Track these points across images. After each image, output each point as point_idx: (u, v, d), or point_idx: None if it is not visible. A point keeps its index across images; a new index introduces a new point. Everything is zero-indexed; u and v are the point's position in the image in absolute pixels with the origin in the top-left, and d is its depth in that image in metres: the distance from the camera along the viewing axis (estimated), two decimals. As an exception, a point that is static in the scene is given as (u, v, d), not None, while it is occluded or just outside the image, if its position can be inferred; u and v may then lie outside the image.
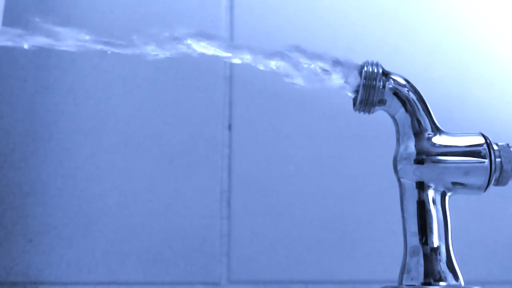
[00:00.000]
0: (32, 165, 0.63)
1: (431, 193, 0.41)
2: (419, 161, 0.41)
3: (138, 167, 0.64)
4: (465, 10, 0.71)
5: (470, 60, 0.70)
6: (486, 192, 0.42)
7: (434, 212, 0.41)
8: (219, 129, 0.66)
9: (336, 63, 0.42)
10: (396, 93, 0.42)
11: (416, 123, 0.42)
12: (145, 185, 0.64)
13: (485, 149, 0.41)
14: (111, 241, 0.62)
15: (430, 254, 0.41)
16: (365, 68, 0.42)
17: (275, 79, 0.43)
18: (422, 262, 0.41)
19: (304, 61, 0.41)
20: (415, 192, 0.42)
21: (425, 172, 0.41)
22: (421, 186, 0.42)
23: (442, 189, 0.42)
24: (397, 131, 0.43)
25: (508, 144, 0.42)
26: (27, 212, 0.62)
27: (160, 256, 0.62)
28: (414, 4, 0.71)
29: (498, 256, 0.66)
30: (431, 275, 0.40)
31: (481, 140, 0.42)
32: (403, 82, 0.42)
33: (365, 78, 0.41)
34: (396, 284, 0.41)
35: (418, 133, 0.42)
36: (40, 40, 0.37)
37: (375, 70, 0.41)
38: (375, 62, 0.42)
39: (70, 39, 0.38)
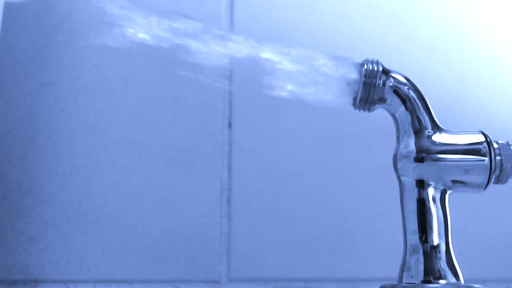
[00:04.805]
0: (32, 163, 0.63)
1: (431, 191, 0.42)
2: (419, 159, 0.41)
3: (138, 165, 0.64)
4: (465, 8, 0.71)
5: (470, 58, 0.70)
6: (486, 190, 0.42)
7: (434, 210, 0.41)
8: (219, 127, 0.66)
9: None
10: (396, 91, 0.42)
11: (416, 121, 0.42)
12: (145, 183, 0.64)
13: (485, 147, 0.41)
14: (111, 239, 0.62)
15: (430, 252, 0.41)
16: (365, 66, 0.42)
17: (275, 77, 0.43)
18: (422, 260, 0.41)
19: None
20: (415, 190, 0.42)
21: (425, 170, 0.41)
22: (421, 184, 0.42)
23: (442, 187, 0.42)
24: (397, 129, 0.43)
25: (508, 142, 0.42)
26: (27, 210, 0.62)
27: (160, 254, 0.62)
28: (414, 3, 0.71)
29: (498, 254, 0.66)
30: (431, 273, 0.40)
31: (481, 138, 0.42)
32: (403, 80, 0.42)
33: (365, 76, 0.41)
34: (396, 282, 0.42)
35: (418, 131, 0.42)
36: None
37: (375, 68, 0.41)
38: (375, 60, 0.42)
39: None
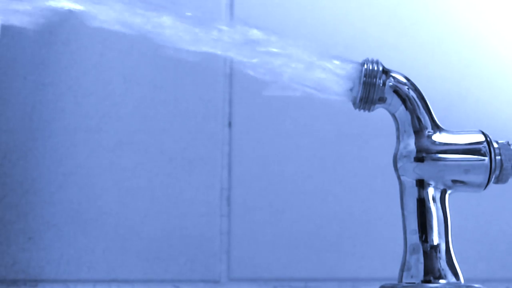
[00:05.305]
0: (32, 162, 0.63)
1: (431, 191, 0.42)
2: (419, 159, 0.41)
3: (138, 165, 0.64)
4: (465, 8, 0.71)
5: (470, 58, 0.70)
6: (486, 190, 0.42)
7: (434, 210, 0.41)
8: (219, 126, 0.66)
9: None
10: (396, 91, 0.42)
11: (416, 121, 0.42)
12: (145, 182, 0.64)
13: (485, 147, 0.41)
14: (111, 239, 0.62)
15: (430, 252, 0.41)
16: (365, 66, 0.42)
17: (275, 77, 0.43)
18: (422, 259, 0.41)
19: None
20: (415, 190, 0.42)
21: (425, 170, 0.41)
22: (421, 184, 0.42)
23: (442, 187, 0.42)
24: (397, 129, 0.43)
25: (508, 142, 0.42)
26: (27, 209, 0.62)
27: (160, 254, 0.62)
28: (414, 3, 0.71)
29: (498, 253, 0.66)
30: (431, 272, 0.40)
31: (481, 138, 0.42)
32: (403, 80, 0.42)
33: (365, 76, 0.41)
34: (396, 282, 0.42)
35: (418, 131, 0.42)
36: None
37: (375, 68, 0.41)
38: (375, 59, 0.42)
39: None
